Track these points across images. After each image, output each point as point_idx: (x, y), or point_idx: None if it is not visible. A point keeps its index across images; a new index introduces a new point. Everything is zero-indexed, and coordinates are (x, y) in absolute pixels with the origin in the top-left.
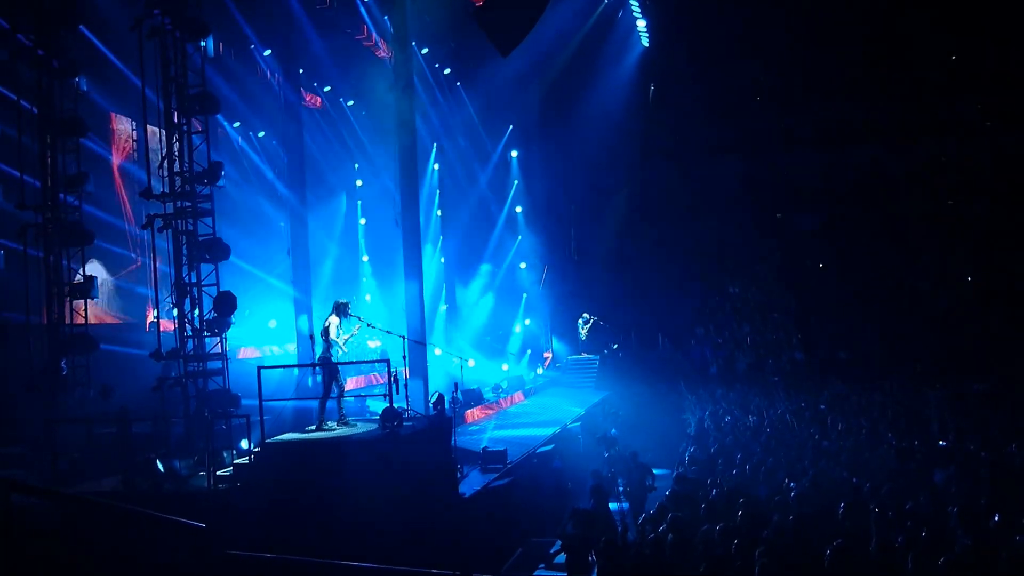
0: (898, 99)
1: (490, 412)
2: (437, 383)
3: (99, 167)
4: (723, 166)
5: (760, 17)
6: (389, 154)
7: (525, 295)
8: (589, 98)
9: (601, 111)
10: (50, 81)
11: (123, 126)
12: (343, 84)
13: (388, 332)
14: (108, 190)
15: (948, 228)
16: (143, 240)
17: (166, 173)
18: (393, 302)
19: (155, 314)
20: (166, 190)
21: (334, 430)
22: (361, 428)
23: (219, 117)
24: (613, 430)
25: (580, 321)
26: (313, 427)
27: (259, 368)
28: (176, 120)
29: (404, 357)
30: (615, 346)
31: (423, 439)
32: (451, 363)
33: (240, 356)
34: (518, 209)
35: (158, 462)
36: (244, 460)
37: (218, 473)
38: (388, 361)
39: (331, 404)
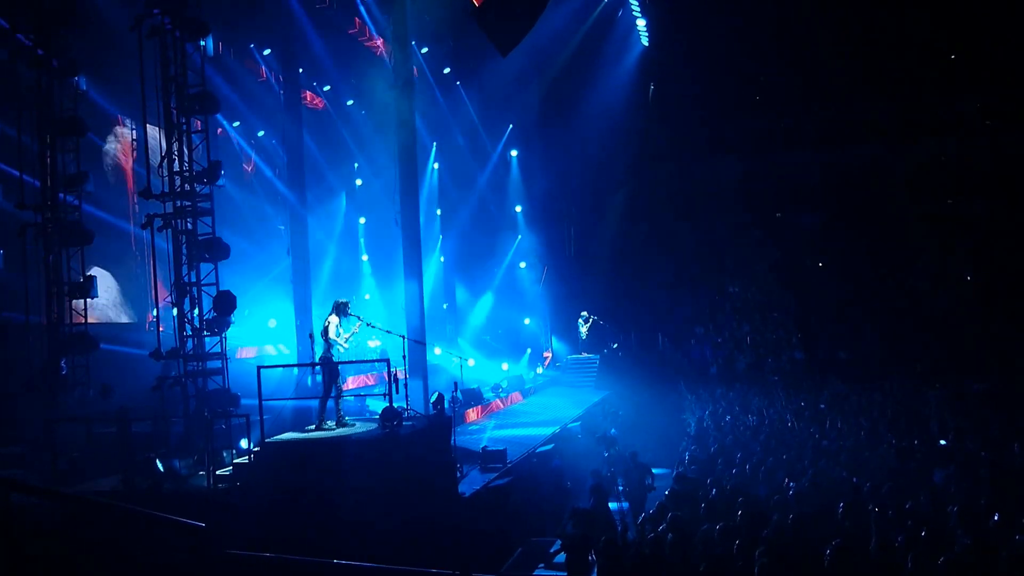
0: (898, 99)
1: (490, 412)
2: (437, 383)
3: (111, 169)
4: (723, 165)
5: (760, 16)
6: (389, 153)
7: (525, 294)
8: (589, 97)
9: (601, 110)
10: (50, 81)
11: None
12: (343, 84)
13: (388, 332)
14: (118, 193)
15: (948, 228)
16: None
17: (165, 173)
18: (393, 301)
19: (155, 313)
20: (166, 190)
21: (333, 430)
22: (361, 428)
23: (219, 116)
24: (613, 430)
25: (580, 320)
26: (312, 426)
27: (259, 368)
28: (176, 120)
29: (404, 357)
30: (615, 345)
31: (423, 439)
32: (451, 362)
33: (241, 356)
34: (518, 208)
35: (158, 462)
36: (244, 460)
37: (218, 473)
38: (388, 361)
39: (331, 404)
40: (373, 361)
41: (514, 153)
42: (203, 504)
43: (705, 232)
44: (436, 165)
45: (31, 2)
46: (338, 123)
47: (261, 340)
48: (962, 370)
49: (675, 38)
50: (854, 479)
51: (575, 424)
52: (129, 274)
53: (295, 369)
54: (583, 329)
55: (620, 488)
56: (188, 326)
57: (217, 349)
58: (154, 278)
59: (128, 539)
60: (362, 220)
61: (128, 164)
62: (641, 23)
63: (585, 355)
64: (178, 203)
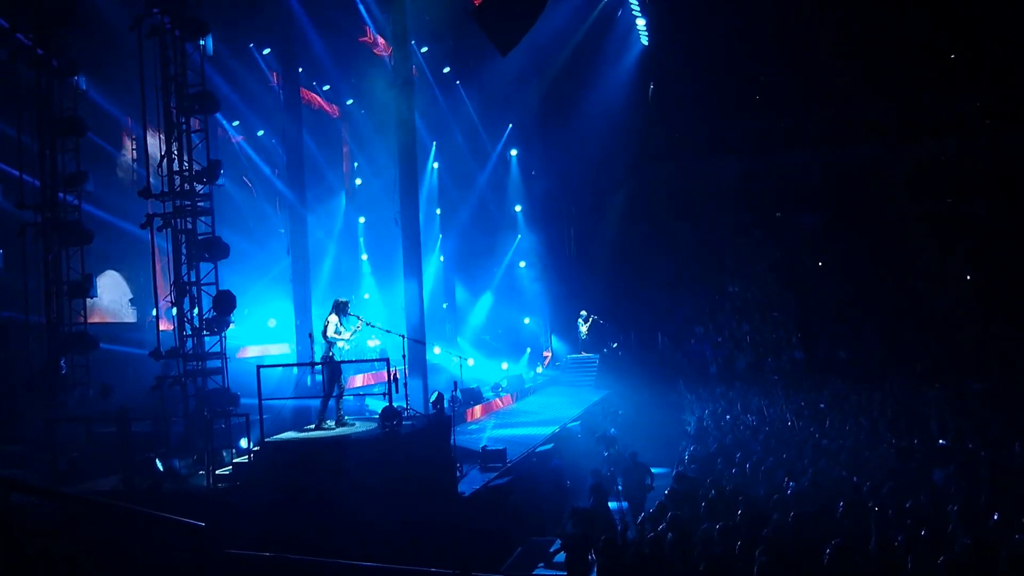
0: (898, 99)
1: (489, 411)
2: (436, 382)
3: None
4: (723, 165)
5: (760, 16)
6: (389, 153)
7: (525, 294)
8: (589, 97)
9: (601, 110)
10: (49, 80)
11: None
12: (342, 83)
13: (388, 331)
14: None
15: (947, 227)
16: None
17: (165, 172)
18: (392, 301)
19: (155, 313)
20: (165, 189)
21: (333, 429)
22: (360, 427)
23: (218, 116)
24: (612, 429)
25: (580, 320)
26: (312, 426)
27: (258, 367)
28: (175, 119)
29: (404, 356)
30: (615, 345)
31: (422, 438)
32: (450, 362)
33: (245, 355)
34: (517, 208)
35: (157, 461)
36: (243, 459)
37: (217, 472)
38: (388, 360)
39: (331, 403)
40: (373, 360)
41: (514, 153)
42: (203, 504)
43: (705, 232)
44: (436, 164)
45: (31, 2)
46: (338, 122)
47: (263, 339)
48: (962, 370)
49: (675, 38)
50: (854, 478)
51: (575, 424)
52: (141, 276)
53: (294, 368)
54: (583, 328)
55: (619, 488)
56: (188, 325)
57: (217, 348)
58: (154, 278)
59: (128, 539)
60: (362, 219)
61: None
62: (641, 22)
63: (585, 354)
64: (177, 203)
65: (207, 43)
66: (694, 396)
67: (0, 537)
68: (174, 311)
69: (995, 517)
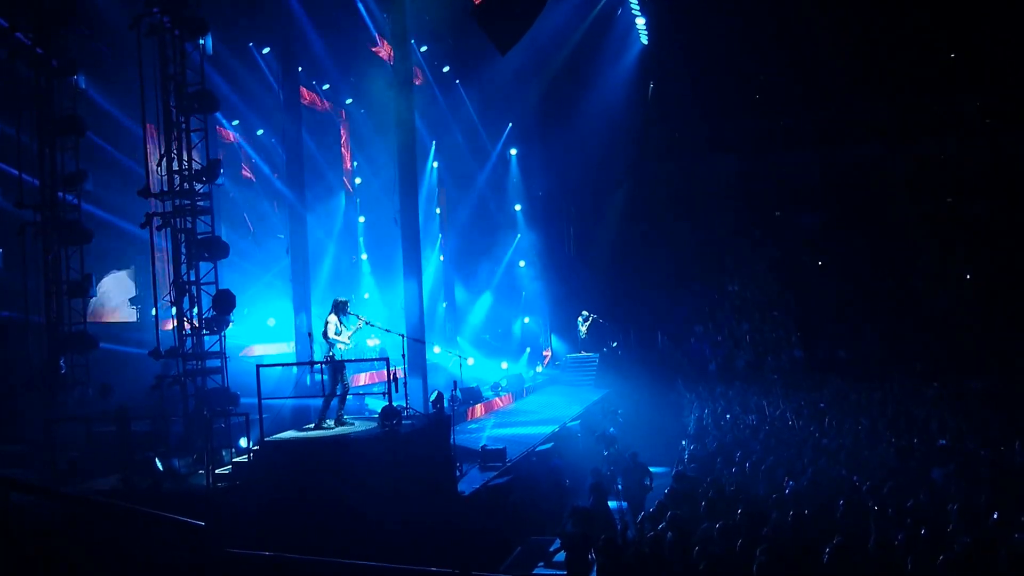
0: (897, 98)
1: (489, 410)
2: (436, 381)
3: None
4: (722, 164)
5: (759, 15)
6: (388, 152)
7: (524, 293)
8: (588, 96)
9: (600, 109)
10: (49, 80)
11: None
12: (342, 82)
13: (387, 330)
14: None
15: (947, 227)
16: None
17: (164, 171)
18: (392, 300)
19: (154, 312)
20: (165, 188)
21: (332, 429)
22: (360, 427)
23: (217, 115)
24: (611, 428)
25: (580, 319)
26: (312, 425)
27: (258, 366)
28: (175, 118)
29: (403, 356)
30: (614, 344)
31: (422, 438)
32: (450, 361)
33: (250, 354)
34: (517, 207)
35: (157, 461)
36: (243, 459)
37: (217, 472)
38: (388, 359)
39: (333, 403)
40: (373, 360)
41: (513, 152)
42: (203, 503)
43: (705, 231)
44: (435, 164)
45: (30, 1)
46: (337, 121)
47: (263, 339)
48: (962, 369)
49: (675, 37)
50: (854, 478)
51: (574, 423)
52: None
53: (294, 368)
54: (582, 328)
55: (619, 488)
56: (187, 325)
57: (217, 348)
58: (153, 277)
59: (128, 539)
60: (361, 219)
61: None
62: (640, 22)
63: (584, 354)
64: (177, 202)
65: (206, 42)
66: (694, 395)
67: (0, 537)
68: (173, 310)
69: (995, 516)
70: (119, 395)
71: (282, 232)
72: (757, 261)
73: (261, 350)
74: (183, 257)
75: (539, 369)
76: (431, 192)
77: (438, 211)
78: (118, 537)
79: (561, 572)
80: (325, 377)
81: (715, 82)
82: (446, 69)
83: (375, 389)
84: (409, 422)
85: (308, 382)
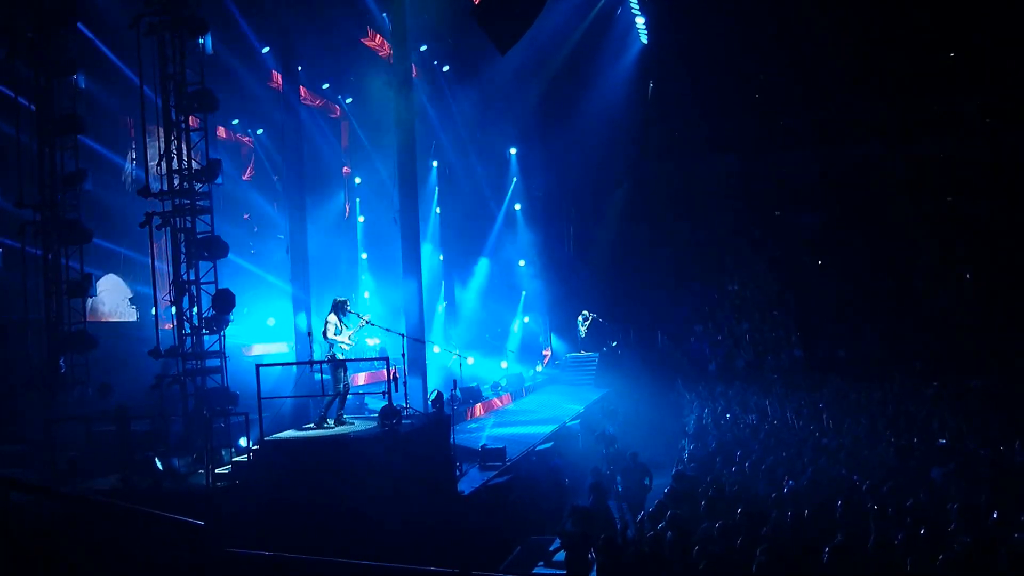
0: (897, 98)
1: (489, 410)
2: (436, 381)
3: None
4: (722, 164)
5: (759, 15)
6: (388, 151)
7: (524, 292)
8: (588, 95)
9: (600, 108)
10: (48, 79)
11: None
12: (342, 81)
13: (387, 330)
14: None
15: (947, 227)
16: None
17: (164, 171)
18: (391, 300)
19: (154, 312)
20: (164, 188)
21: (332, 428)
22: (360, 426)
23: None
24: (610, 428)
25: (579, 318)
26: (312, 424)
27: (257, 366)
28: (174, 118)
29: (403, 355)
30: (614, 343)
31: (422, 437)
32: (450, 360)
33: (252, 353)
34: (517, 206)
35: (157, 460)
36: (243, 458)
37: (217, 471)
38: (387, 359)
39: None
40: (372, 359)
41: (513, 151)
42: (202, 503)
43: (704, 230)
44: (435, 163)
45: (30, 1)
46: (337, 121)
47: (266, 338)
48: (961, 369)
49: (674, 36)
50: (854, 477)
51: (574, 422)
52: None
53: (294, 367)
54: (582, 327)
55: (619, 489)
56: (187, 324)
57: (216, 347)
58: (153, 276)
59: (128, 538)
60: (361, 218)
61: None
62: (640, 21)
63: (584, 353)
64: (177, 201)
65: (206, 41)
66: (693, 395)
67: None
68: (173, 310)
69: (995, 516)
70: (119, 394)
71: (282, 231)
72: (757, 261)
73: (262, 349)
74: (183, 256)
75: (539, 368)
76: (430, 191)
77: (437, 210)
78: (118, 537)
79: (561, 571)
80: (326, 377)
81: (715, 81)
82: (446, 68)
83: (375, 388)
84: (409, 422)
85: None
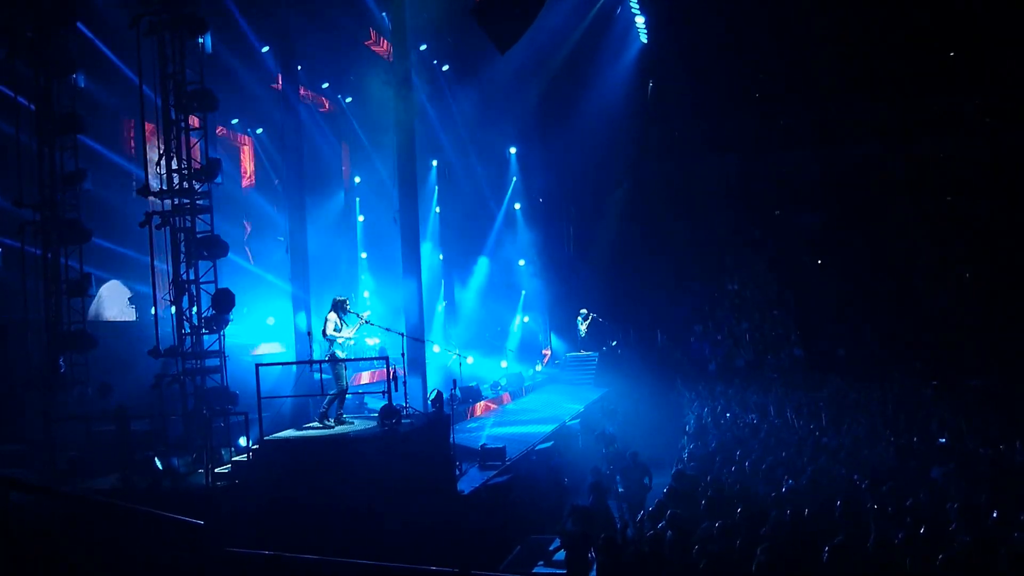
0: (897, 98)
1: (489, 409)
2: (435, 380)
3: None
4: (722, 163)
5: (759, 14)
6: (387, 150)
7: (524, 292)
8: (588, 95)
9: (600, 108)
10: (48, 78)
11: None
12: (341, 81)
13: (387, 329)
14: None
15: (947, 226)
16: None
17: (164, 170)
18: (391, 299)
19: (153, 311)
20: (164, 187)
21: (333, 428)
22: (360, 426)
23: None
24: (609, 428)
25: (579, 318)
26: (314, 423)
27: (257, 365)
28: (174, 117)
29: (403, 354)
30: (614, 343)
31: (422, 436)
32: (449, 360)
33: (258, 353)
34: (516, 206)
35: (156, 460)
36: (243, 457)
37: (216, 471)
38: (387, 358)
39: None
40: (372, 359)
41: (513, 151)
42: (202, 502)
43: (704, 230)
44: (435, 163)
45: (30, 1)
46: (337, 120)
47: (271, 338)
48: (961, 368)
49: (674, 36)
50: (853, 476)
51: (574, 422)
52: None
53: (294, 366)
54: (582, 327)
55: (620, 489)
56: (187, 324)
57: (216, 347)
58: (153, 276)
59: (127, 537)
60: (360, 218)
61: None
62: (640, 20)
63: (584, 353)
64: (176, 201)
65: (206, 41)
66: (693, 394)
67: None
68: (172, 309)
69: (995, 515)
70: (118, 394)
71: (281, 240)
72: (757, 260)
73: (268, 348)
74: (182, 256)
75: (538, 368)
76: (430, 191)
77: (437, 210)
78: (118, 536)
79: (561, 571)
80: (326, 376)
81: (715, 81)
82: (446, 68)
83: (375, 388)
84: (408, 421)
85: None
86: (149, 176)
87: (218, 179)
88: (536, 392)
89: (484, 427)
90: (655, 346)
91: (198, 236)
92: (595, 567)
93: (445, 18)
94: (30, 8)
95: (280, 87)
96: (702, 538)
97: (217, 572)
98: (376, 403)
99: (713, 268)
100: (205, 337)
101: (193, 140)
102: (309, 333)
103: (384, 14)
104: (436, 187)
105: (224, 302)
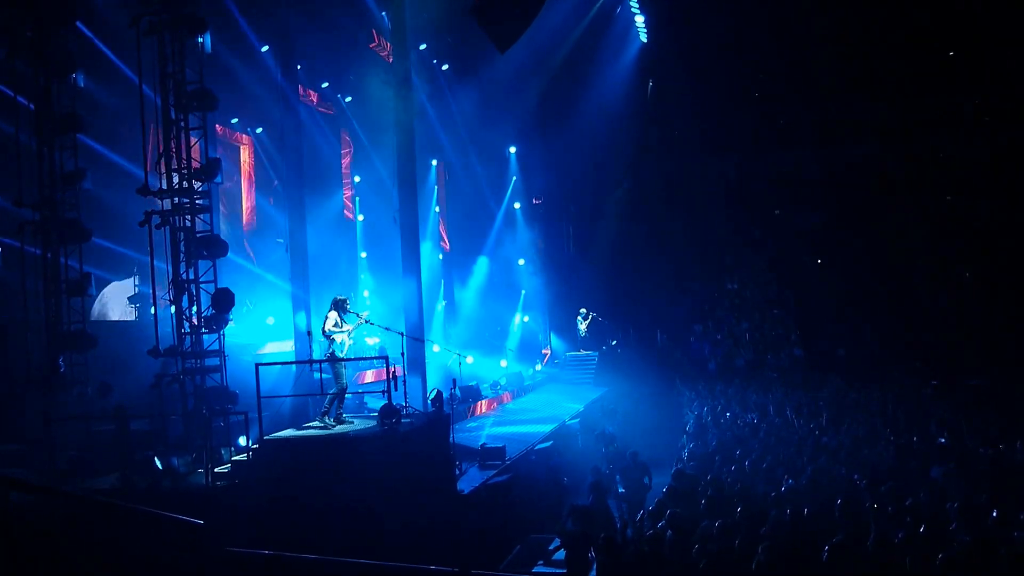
0: (896, 97)
1: (488, 409)
2: (435, 380)
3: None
4: (722, 163)
5: (759, 14)
6: (387, 150)
7: (524, 291)
8: (588, 94)
9: (600, 107)
10: (48, 78)
11: None
12: (341, 80)
13: (387, 329)
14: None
15: (947, 226)
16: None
17: (163, 170)
18: (391, 299)
19: (153, 311)
20: (164, 187)
21: (332, 427)
22: (359, 425)
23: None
24: (609, 427)
25: (579, 317)
26: (312, 424)
27: (257, 365)
28: (174, 116)
29: (402, 354)
30: (614, 342)
31: (421, 436)
32: (449, 359)
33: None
34: (516, 205)
35: (156, 459)
36: (242, 457)
37: (216, 470)
38: (387, 358)
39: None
40: (372, 358)
41: (513, 150)
42: (202, 502)
43: (704, 229)
44: (434, 162)
45: (30, 1)
46: (336, 119)
47: (275, 337)
48: (961, 368)
49: (674, 35)
50: (853, 476)
51: (574, 421)
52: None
53: (293, 366)
54: (582, 326)
55: (620, 489)
56: (186, 323)
57: (216, 347)
58: (152, 275)
59: (127, 537)
60: (360, 217)
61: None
62: (640, 20)
63: (584, 352)
64: (176, 200)
65: (205, 40)
66: (693, 393)
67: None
68: (172, 309)
69: (994, 515)
70: (118, 394)
71: (280, 242)
72: (756, 260)
73: (274, 347)
74: (182, 255)
75: (538, 367)
76: (430, 190)
77: (436, 209)
78: (118, 536)
79: (561, 570)
80: (326, 376)
81: (715, 81)
82: (445, 67)
83: (374, 387)
84: (408, 420)
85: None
86: (149, 175)
87: (218, 178)
88: (536, 391)
89: (484, 427)
90: (655, 345)
91: (198, 235)
92: (595, 566)
93: (445, 18)
94: (30, 8)
95: (280, 87)
96: (702, 537)
97: (217, 572)
98: (376, 402)
99: (713, 268)
100: (205, 337)
101: (193, 139)
102: (309, 332)
103: (384, 14)
104: (436, 186)
105: (224, 301)
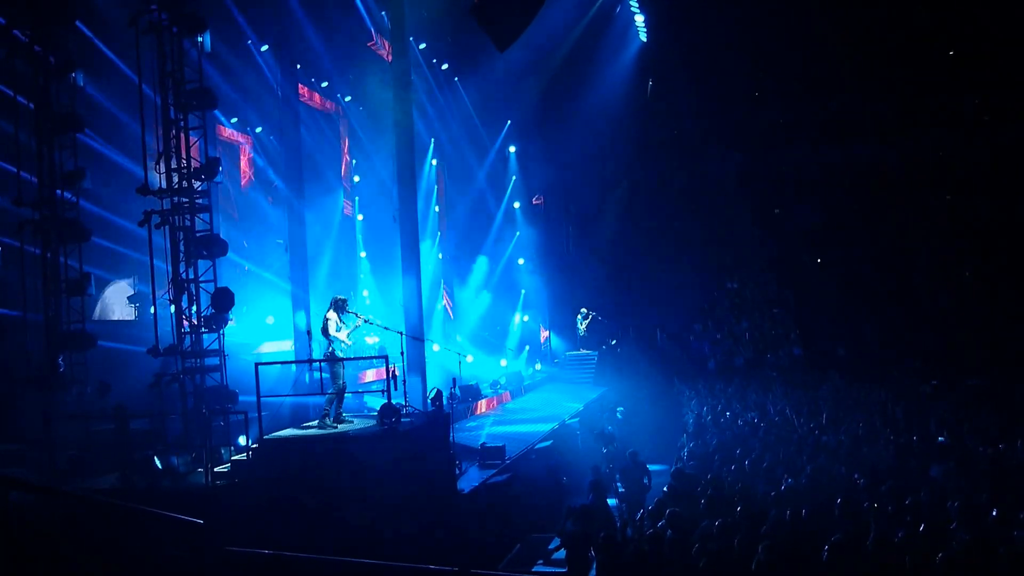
0: (897, 94)
1: (488, 408)
2: (435, 379)
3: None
4: (721, 161)
5: (759, 12)
6: (387, 149)
7: (523, 291)
8: (588, 93)
9: (600, 106)
10: (47, 77)
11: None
12: (341, 79)
13: (386, 328)
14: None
15: (947, 225)
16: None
17: (163, 169)
18: (391, 298)
19: (153, 310)
20: (163, 186)
21: (332, 427)
22: (359, 424)
23: (216, 112)
24: (609, 427)
25: (579, 317)
26: (312, 423)
27: (256, 364)
28: (173, 116)
29: (402, 353)
30: (613, 342)
31: (421, 435)
32: (449, 359)
33: (263, 351)
34: (516, 204)
35: (156, 459)
36: (242, 456)
37: (216, 470)
38: (387, 357)
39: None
40: (372, 358)
41: (512, 149)
42: (201, 501)
43: (704, 228)
44: (434, 161)
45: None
46: (336, 119)
47: (273, 336)
48: (961, 367)
49: (673, 33)
50: (853, 475)
51: (573, 420)
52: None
53: (293, 365)
54: (582, 326)
55: (620, 489)
56: (186, 323)
57: (215, 346)
58: (152, 275)
59: (127, 536)
60: (360, 216)
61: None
62: (639, 18)
63: (584, 351)
64: (175, 200)
65: (205, 39)
66: (693, 393)
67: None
68: (172, 308)
69: (994, 514)
70: (118, 393)
71: (280, 243)
72: (757, 259)
73: (273, 347)
74: (182, 255)
75: (538, 367)
76: (430, 189)
77: (436, 208)
78: (117, 535)
79: (561, 570)
80: (325, 375)
81: (714, 79)
82: (445, 66)
83: (374, 387)
84: (408, 420)
85: (307, 380)
86: (148, 175)
87: (218, 177)
88: (535, 391)
89: (484, 426)
90: (655, 345)
91: (197, 235)
92: (595, 566)
93: (444, 17)
94: (30, 7)
95: (279, 86)
96: (702, 537)
97: (217, 571)
98: (376, 402)
99: (713, 266)
100: (204, 336)
101: (192, 139)
102: (308, 332)
103: (383, 13)
104: (435, 186)
105: (224, 301)
